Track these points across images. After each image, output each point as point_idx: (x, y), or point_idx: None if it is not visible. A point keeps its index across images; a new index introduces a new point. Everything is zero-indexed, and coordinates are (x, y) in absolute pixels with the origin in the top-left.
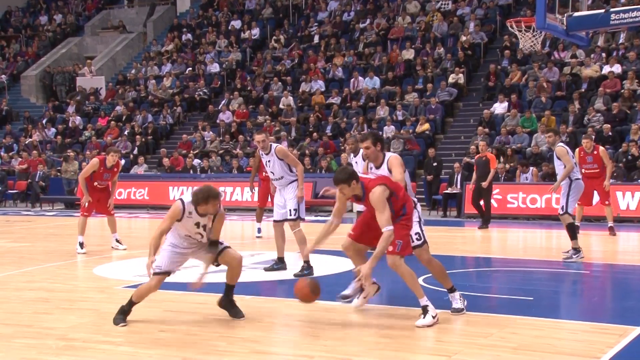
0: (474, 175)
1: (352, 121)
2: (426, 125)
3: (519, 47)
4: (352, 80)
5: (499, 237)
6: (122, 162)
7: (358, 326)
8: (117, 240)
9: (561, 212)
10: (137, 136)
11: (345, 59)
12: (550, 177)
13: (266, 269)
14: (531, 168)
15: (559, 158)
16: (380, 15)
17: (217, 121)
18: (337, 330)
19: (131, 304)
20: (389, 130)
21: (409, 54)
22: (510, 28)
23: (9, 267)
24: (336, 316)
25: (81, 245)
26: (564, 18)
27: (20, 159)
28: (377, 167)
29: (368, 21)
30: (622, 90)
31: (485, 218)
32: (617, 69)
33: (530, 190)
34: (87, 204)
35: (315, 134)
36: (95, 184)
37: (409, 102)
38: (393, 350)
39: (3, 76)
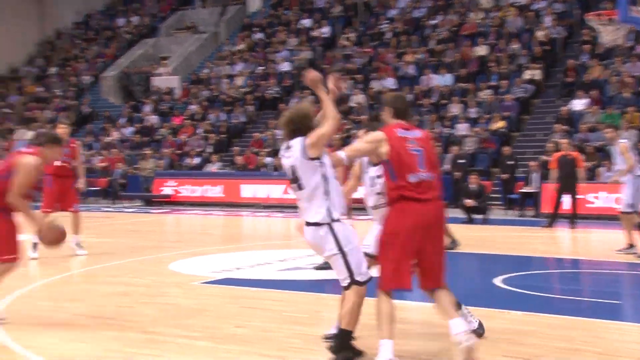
0: (555, 174)
1: (424, 119)
2: (501, 123)
3: (600, 41)
4: (424, 77)
5: (580, 237)
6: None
7: (430, 326)
8: (78, 244)
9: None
10: (211, 135)
11: (416, 56)
12: None
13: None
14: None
15: (620, 154)
16: (452, 11)
17: None
18: (407, 330)
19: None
20: (462, 128)
21: (482, 50)
22: (590, 22)
23: (91, 262)
24: (407, 315)
25: (34, 246)
26: None
27: (100, 157)
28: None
29: (440, 17)
30: None
31: (571, 217)
32: None
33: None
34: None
35: None
36: (56, 162)
37: (482, 99)
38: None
39: (85, 77)
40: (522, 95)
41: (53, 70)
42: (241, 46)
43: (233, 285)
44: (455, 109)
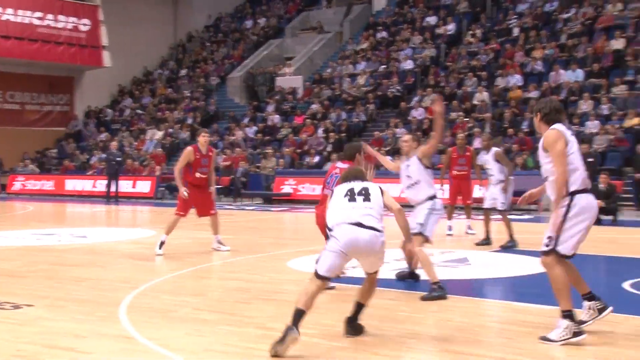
0: None
1: None
2: (636, 120)
3: None
4: (553, 73)
5: None
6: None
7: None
8: (219, 242)
9: None
10: (331, 133)
11: (546, 51)
12: None
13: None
14: None
15: None
16: (587, 4)
17: (409, 118)
18: (532, 334)
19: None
20: (592, 126)
21: (618, 43)
22: None
23: (213, 257)
24: (532, 318)
25: (161, 245)
26: None
27: (224, 156)
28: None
29: (573, 10)
30: None
31: None
32: None
33: None
34: (185, 197)
35: (510, 130)
36: (197, 174)
37: (616, 95)
38: (589, 357)
39: (213, 78)
40: None
41: (183, 72)
42: (364, 45)
43: (350, 284)
44: (585, 105)
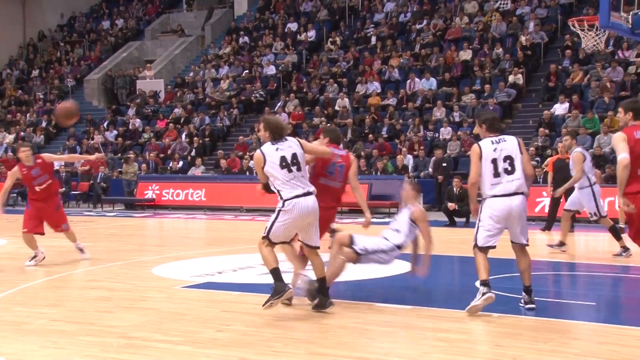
0: (551, 177)
1: (408, 122)
2: None
3: (582, 46)
4: (409, 81)
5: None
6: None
7: (413, 328)
8: (80, 249)
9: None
10: (195, 138)
11: (401, 60)
12: (614, 179)
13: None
14: (594, 170)
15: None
16: (437, 16)
17: None
18: (392, 333)
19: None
20: (445, 132)
21: (466, 54)
22: (572, 27)
23: (72, 266)
24: (391, 318)
25: (32, 258)
26: (630, 16)
27: (82, 161)
28: None
29: (425, 22)
30: None
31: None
32: None
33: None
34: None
35: (370, 135)
36: (37, 188)
37: (466, 103)
38: (450, 355)
39: (68, 80)
40: (504, 99)
41: (35, 73)
42: (227, 49)
43: (214, 289)
44: (439, 112)
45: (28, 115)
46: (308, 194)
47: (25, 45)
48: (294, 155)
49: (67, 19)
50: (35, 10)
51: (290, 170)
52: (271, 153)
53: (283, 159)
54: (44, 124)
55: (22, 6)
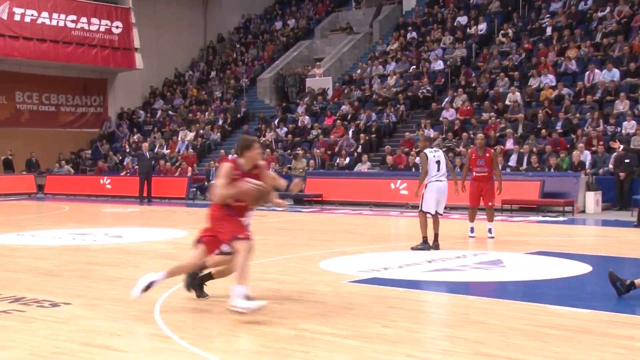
0: None
1: (586, 117)
2: None
3: None
4: (587, 73)
5: None
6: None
7: (592, 334)
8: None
9: None
10: (362, 134)
11: (580, 50)
12: None
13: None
14: None
15: None
16: (622, 2)
17: (440, 119)
18: (567, 337)
19: None
20: (629, 126)
21: None
22: None
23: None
24: (566, 321)
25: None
26: None
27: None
28: None
29: (608, 9)
30: None
31: None
32: None
33: None
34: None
35: (544, 130)
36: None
37: None
38: None
39: (243, 80)
40: None
41: (213, 73)
42: (394, 45)
43: (380, 285)
44: (621, 105)
45: (207, 113)
46: None
47: (205, 48)
48: None
49: (242, 20)
50: (215, 14)
51: None
52: None
53: None
54: (220, 122)
55: (204, 11)
